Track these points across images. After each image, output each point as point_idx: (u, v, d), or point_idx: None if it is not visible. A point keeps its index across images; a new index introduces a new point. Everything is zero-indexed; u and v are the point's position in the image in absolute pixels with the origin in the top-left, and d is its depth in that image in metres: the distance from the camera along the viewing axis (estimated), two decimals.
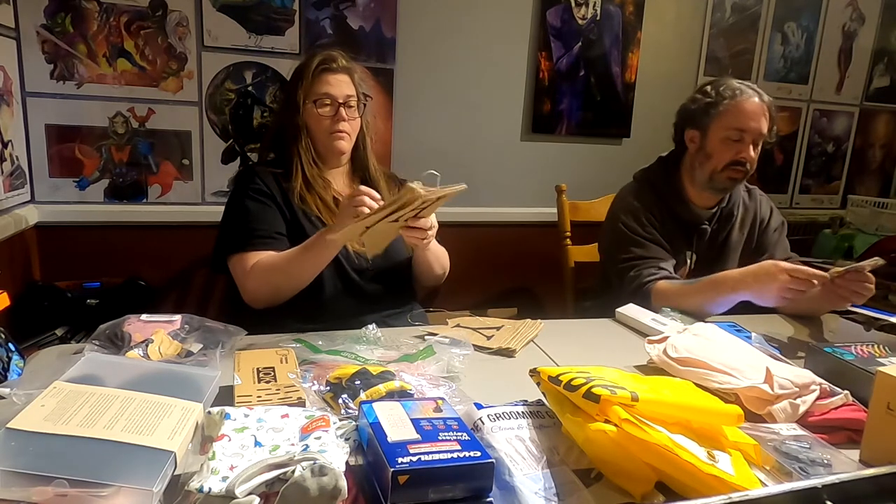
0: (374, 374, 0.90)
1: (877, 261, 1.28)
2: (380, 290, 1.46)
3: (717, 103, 1.54)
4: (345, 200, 1.24)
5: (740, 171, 1.54)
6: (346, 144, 1.49)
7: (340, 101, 1.44)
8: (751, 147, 1.53)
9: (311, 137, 1.47)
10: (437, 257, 1.51)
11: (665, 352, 1.07)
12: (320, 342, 1.09)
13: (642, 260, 1.54)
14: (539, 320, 1.33)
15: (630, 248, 1.56)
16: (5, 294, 1.04)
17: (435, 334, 1.15)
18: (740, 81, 1.56)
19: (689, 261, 1.64)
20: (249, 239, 1.36)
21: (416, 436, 0.67)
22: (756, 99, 1.53)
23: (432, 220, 1.25)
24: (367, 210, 1.16)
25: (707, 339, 1.10)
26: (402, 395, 0.85)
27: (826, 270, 1.27)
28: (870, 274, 1.30)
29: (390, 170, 1.77)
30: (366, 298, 1.44)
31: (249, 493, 0.60)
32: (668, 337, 1.11)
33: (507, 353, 1.17)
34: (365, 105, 1.51)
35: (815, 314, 1.49)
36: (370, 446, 0.69)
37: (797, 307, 1.42)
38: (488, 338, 1.21)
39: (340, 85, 1.46)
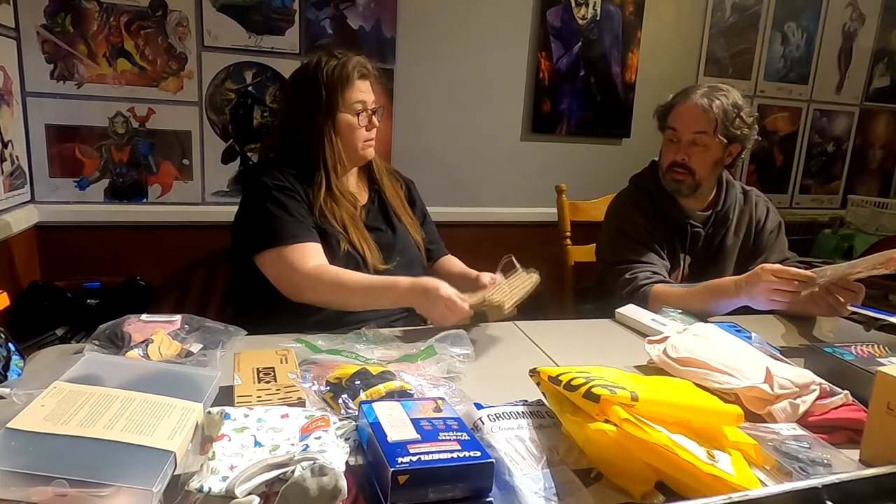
0: (374, 374, 0.90)
1: (859, 264, 1.23)
2: None
3: (668, 106, 1.58)
4: (440, 301, 1.18)
5: (679, 173, 1.55)
6: (373, 151, 1.46)
7: (372, 108, 1.41)
8: (691, 148, 1.53)
9: (341, 145, 1.40)
10: None
11: (665, 352, 1.07)
12: (320, 342, 1.09)
13: (636, 263, 1.54)
14: (533, 273, 1.32)
15: (625, 251, 1.56)
16: (5, 294, 1.04)
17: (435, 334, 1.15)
18: (712, 85, 1.56)
19: (682, 263, 1.64)
20: (295, 230, 1.30)
21: (416, 436, 0.67)
22: (696, 99, 1.51)
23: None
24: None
25: (707, 339, 1.10)
26: (402, 395, 0.85)
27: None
28: (856, 283, 1.29)
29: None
30: None
31: (249, 493, 0.60)
32: (668, 337, 1.11)
33: (497, 310, 1.16)
34: (383, 110, 1.49)
35: (812, 315, 1.48)
36: (370, 446, 0.69)
37: (794, 309, 1.41)
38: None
39: (370, 92, 1.42)
